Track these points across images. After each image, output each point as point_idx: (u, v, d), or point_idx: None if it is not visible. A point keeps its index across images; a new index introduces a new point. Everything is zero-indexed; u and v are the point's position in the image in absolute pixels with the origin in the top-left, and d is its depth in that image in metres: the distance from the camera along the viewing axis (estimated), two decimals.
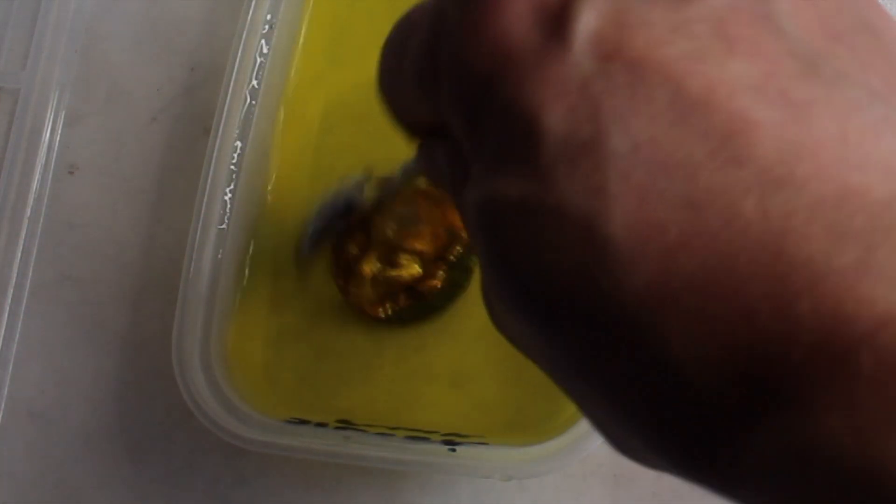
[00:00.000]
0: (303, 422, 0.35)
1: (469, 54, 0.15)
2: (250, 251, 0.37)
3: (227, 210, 0.36)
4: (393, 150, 0.39)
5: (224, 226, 0.36)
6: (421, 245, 0.34)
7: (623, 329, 0.13)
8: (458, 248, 0.35)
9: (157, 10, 0.42)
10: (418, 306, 0.35)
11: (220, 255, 0.35)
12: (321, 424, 0.34)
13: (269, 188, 0.38)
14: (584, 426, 0.32)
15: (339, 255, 0.36)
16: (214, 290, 0.35)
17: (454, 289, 0.35)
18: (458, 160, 0.18)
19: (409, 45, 0.18)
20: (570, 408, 0.35)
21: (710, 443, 0.13)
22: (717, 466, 0.13)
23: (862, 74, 0.14)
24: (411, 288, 0.35)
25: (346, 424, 0.35)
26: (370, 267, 0.35)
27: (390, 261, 0.35)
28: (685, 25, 0.14)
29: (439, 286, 0.35)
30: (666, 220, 0.13)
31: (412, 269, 0.35)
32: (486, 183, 0.15)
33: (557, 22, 0.14)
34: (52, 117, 0.41)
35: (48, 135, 0.40)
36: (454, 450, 0.33)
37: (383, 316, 0.35)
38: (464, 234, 0.35)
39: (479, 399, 0.36)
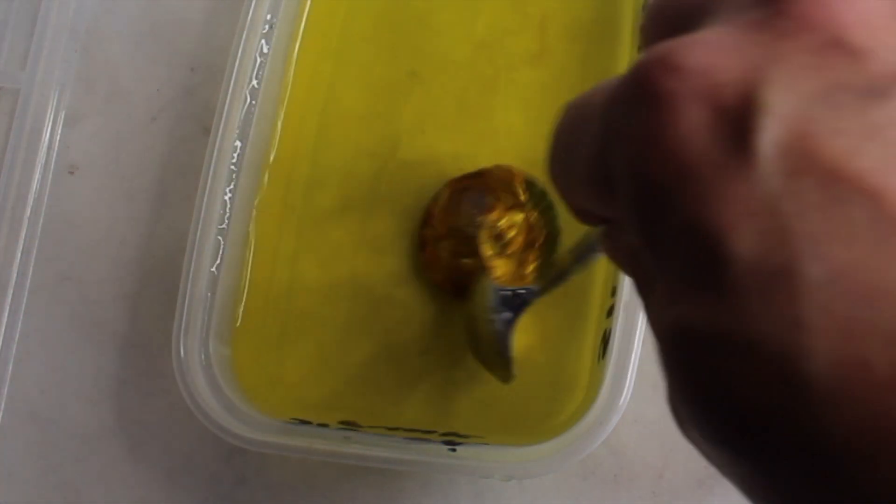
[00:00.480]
0: (304, 422, 0.35)
1: (643, 166, 0.14)
2: (251, 251, 0.37)
3: (227, 210, 0.36)
4: (392, 149, 0.39)
5: (224, 226, 0.36)
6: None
7: (824, 467, 0.12)
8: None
9: (157, 10, 0.42)
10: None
11: (220, 255, 0.35)
12: (322, 425, 0.34)
13: (269, 187, 0.38)
14: (584, 426, 0.32)
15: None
16: (214, 290, 0.35)
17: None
18: (639, 259, 0.17)
19: (580, 140, 0.16)
20: (570, 408, 0.35)
21: None
22: None
23: None
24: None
25: (347, 425, 0.35)
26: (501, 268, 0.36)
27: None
28: (878, 131, 0.12)
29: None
30: (874, 357, 0.12)
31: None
32: (672, 307, 0.14)
33: (740, 133, 0.13)
34: (52, 117, 0.41)
35: (48, 135, 0.40)
36: (454, 450, 0.33)
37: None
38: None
39: (478, 399, 0.36)
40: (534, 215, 0.36)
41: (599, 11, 0.39)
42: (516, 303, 0.33)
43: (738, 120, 0.13)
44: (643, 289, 0.17)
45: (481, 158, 0.38)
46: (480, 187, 0.36)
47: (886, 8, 0.14)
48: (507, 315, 0.33)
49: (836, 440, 0.12)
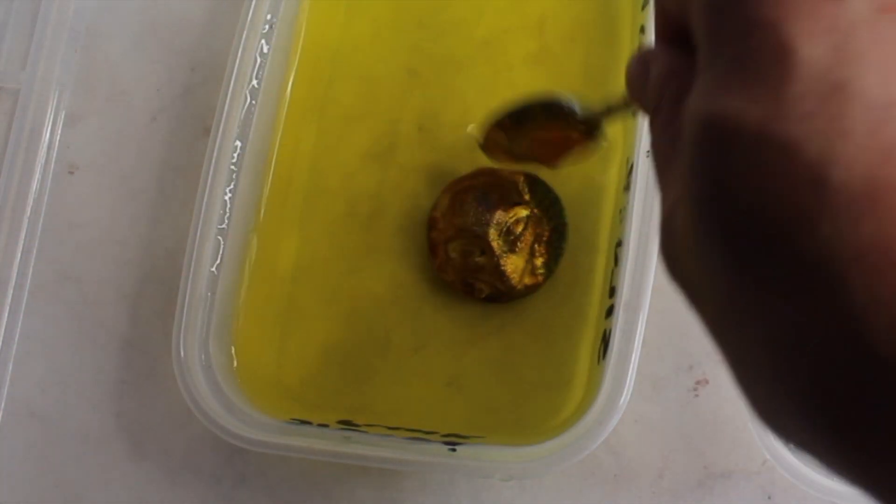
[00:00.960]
0: (304, 422, 0.35)
1: None
2: (251, 251, 0.37)
3: (227, 210, 0.36)
4: (392, 149, 0.39)
5: (224, 226, 0.36)
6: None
7: (827, 278, 0.13)
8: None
9: (157, 10, 0.42)
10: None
11: (220, 255, 0.35)
12: (322, 425, 0.34)
13: (269, 187, 0.38)
14: (583, 426, 0.32)
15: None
16: (215, 290, 0.35)
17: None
18: (678, 72, 0.17)
19: None
20: (570, 408, 0.35)
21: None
22: (869, 449, 0.13)
23: None
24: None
25: (346, 425, 0.35)
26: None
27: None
28: None
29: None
30: None
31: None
32: (719, 96, 0.14)
33: None
34: (52, 117, 0.41)
35: (48, 135, 0.40)
36: (454, 450, 0.33)
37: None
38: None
39: (478, 399, 0.36)
40: (538, 210, 0.36)
41: (599, 11, 0.39)
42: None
43: None
44: (664, 98, 0.17)
45: (481, 158, 0.38)
46: (483, 186, 0.36)
47: None
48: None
49: (849, 250, 0.12)
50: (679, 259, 0.16)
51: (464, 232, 0.36)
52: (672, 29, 0.18)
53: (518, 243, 0.36)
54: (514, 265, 0.36)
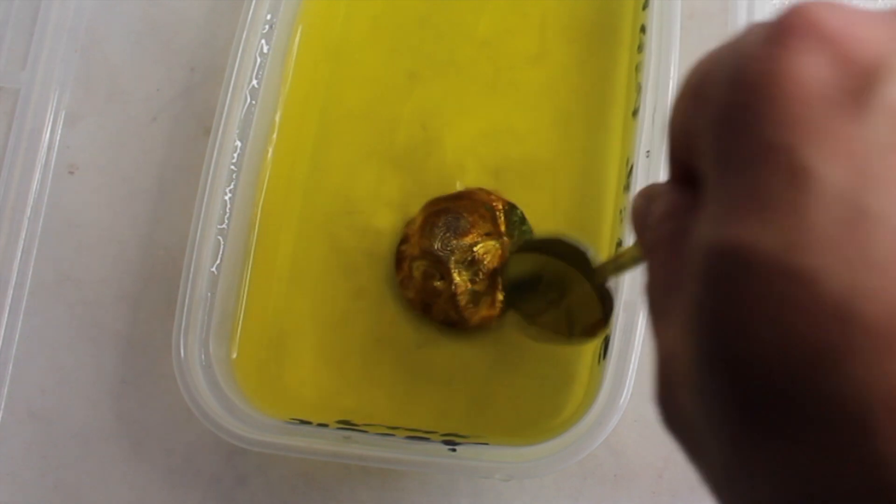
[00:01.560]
0: (304, 422, 0.35)
1: (752, 77, 0.14)
2: (251, 251, 0.37)
3: (227, 210, 0.36)
4: (392, 149, 0.39)
5: (224, 226, 0.36)
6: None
7: (853, 423, 0.12)
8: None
9: (157, 10, 0.42)
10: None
11: (220, 255, 0.35)
12: (322, 425, 0.34)
13: (269, 187, 0.38)
14: (583, 426, 0.32)
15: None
16: (215, 290, 0.35)
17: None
18: (682, 209, 0.16)
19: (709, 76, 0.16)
20: (570, 408, 0.35)
21: None
22: None
23: None
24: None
25: (346, 425, 0.35)
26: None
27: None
28: None
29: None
30: None
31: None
32: (731, 223, 0.13)
33: (861, 82, 0.13)
34: (52, 117, 0.41)
35: (48, 135, 0.40)
36: (454, 450, 0.33)
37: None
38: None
39: (478, 399, 0.36)
40: (509, 243, 0.36)
41: (599, 12, 0.39)
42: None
43: (863, 69, 0.13)
44: (665, 231, 0.17)
45: (481, 158, 0.38)
46: (458, 210, 0.36)
47: None
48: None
49: (878, 394, 0.11)
50: (679, 406, 0.15)
51: (427, 254, 0.36)
52: (679, 167, 0.17)
53: (480, 274, 0.35)
54: (471, 296, 0.35)
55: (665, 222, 0.17)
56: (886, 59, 0.13)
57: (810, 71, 0.13)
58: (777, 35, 0.14)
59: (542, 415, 0.35)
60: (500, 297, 0.35)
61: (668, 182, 0.18)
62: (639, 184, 0.34)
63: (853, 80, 0.13)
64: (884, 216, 0.12)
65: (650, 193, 0.19)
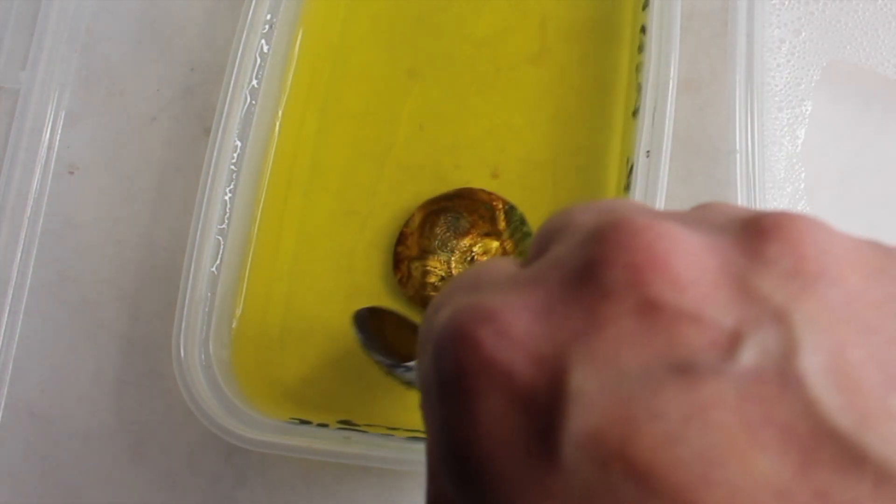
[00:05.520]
0: (304, 422, 0.35)
1: (454, 451, 0.13)
2: (251, 251, 0.37)
3: (227, 210, 0.36)
4: (392, 149, 0.39)
5: (224, 226, 0.36)
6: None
7: None
8: None
9: (157, 10, 0.42)
10: None
11: (220, 255, 0.35)
12: (322, 425, 0.34)
13: (269, 187, 0.38)
14: None
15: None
16: (214, 290, 0.35)
17: None
18: None
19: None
20: None
21: None
22: None
23: None
24: None
25: (346, 425, 0.35)
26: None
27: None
28: (701, 413, 0.11)
29: None
30: None
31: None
32: None
33: (546, 421, 0.12)
34: (52, 117, 0.41)
35: (48, 135, 0.40)
36: None
37: None
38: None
39: None
40: (510, 243, 0.36)
41: (599, 11, 0.39)
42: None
43: (543, 407, 0.12)
44: None
45: (481, 157, 0.38)
46: (458, 210, 0.36)
47: (712, 258, 0.13)
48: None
49: None
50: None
51: (427, 254, 0.36)
52: None
53: None
54: None
55: None
56: (560, 379, 0.12)
57: (492, 422, 0.13)
58: (452, 383, 0.13)
59: None
60: None
61: None
62: (639, 184, 0.34)
63: (536, 417, 0.12)
64: None
65: None
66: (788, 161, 0.38)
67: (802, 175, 0.38)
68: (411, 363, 0.31)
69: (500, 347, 0.13)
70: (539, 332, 0.13)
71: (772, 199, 0.37)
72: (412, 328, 0.34)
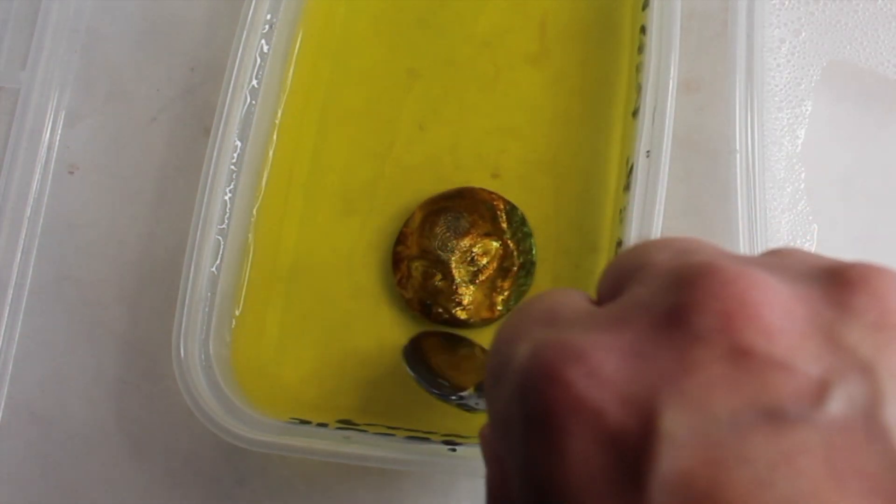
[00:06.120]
0: (304, 422, 0.35)
1: (540, 484, 0.13)
2: (251, 251, 0.37)
3: (227, 210, 0.36)
4: (392, 149, 0.39)
5: (224, 226, 0.36)
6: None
7: None
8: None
9: (157, 10, 0.42)
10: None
11: (220, 255, 0.35)
12: (322, 425, 0.34)
13: (269, 187, 0.38)
14: None
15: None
16: (215, 290, 0.35)
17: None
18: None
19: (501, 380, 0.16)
20: None
21: None
22: None
23: None
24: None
25: (346, 425, 0.35)
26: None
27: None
28: (788, 459, 0.12)
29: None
30: None
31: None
32: None
33: (636, 460, 0.12)
34: (52, 117, 0.41)
35: (48, 135, 0.40)
36: (454, 450, 0.33)
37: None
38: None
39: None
40: (511, 243, 0.36)
41: (599, 11, 0.39)
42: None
43: (633, 448, 0.12)
44: None
45: (481, 157, 0.38)
46: (459, 209, 0.36)
47: (801, 308, 0.13)
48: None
49: None
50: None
51: (427, 254, 0.36)
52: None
53: (480, 275, 0.36)
54: (472, 296, 0.35)
55: None
56: (651, 420, 0.12)
57: (581, 460, 0.13)
58: (541, 421, 0.13)
59: None
60: (499, 298, 0.35)
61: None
62: (639, 184, 0.34)
63: (625, 457, 0.12)
64: None
65: None
66: (788, 161, 0.38)
67: (802, 175, 0.38)
68: (464, 393, 0.31)
69: (591, 387, 0.13)
70: (629, 374, 0.13)
71: (772, 198, 0.37)
72: (452, 346, 0.35)
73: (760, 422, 0.12)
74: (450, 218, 0.36)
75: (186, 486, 0.37)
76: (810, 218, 0.37)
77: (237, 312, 0.37)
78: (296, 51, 0.40)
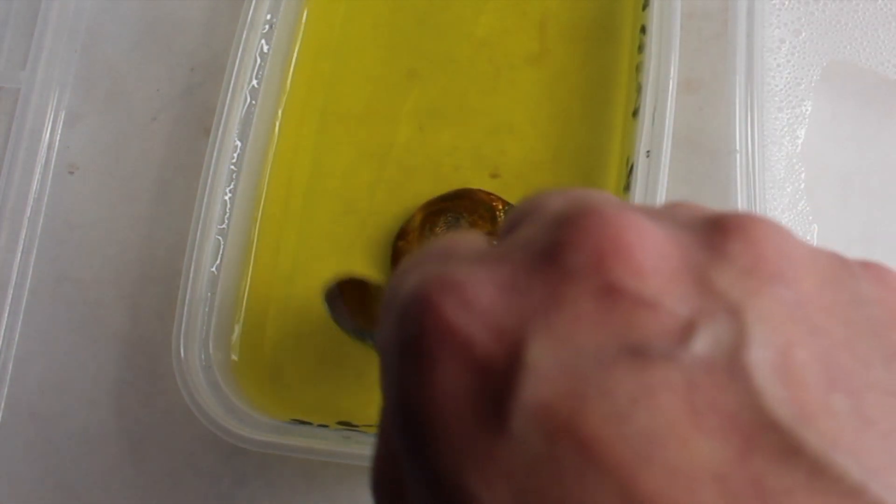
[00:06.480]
0: (304, 422, 0.35)
1: (404, 412, 0.14)
2: (251, 251, 0.37)
3: (227, 210, 0.36)
4: (392, 149, 0.39)
5: (224, 226, 0.36)
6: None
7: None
8: None
9: (157, 10, 0.42)
10: None
11: (220, 255, 0.35)
12: (322, 425, 0.34)
13: (269, 187, 0.38)
14: None
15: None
16: (215, 290, 0.35)
17: None
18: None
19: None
20: None
21: None
22: None
23: (856, 442, 0.12)
24: None
25: (346, 425, 0.35)
26: None
27: None
28: (649, 395, 0.12)
29: None
30: None
31: None
32: None
33: (500, 390, 0.13)
34: (52, 117, 0.41)
35: (48, 135, 0.40)
36: None
37: None
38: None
39: None
40: None
41: (599, 11, 0.39)
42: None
43: (498, 376, 0.13)
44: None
45: (481, 157, 0.38)
46: (458, 210, 0.36)
47: (674, 251, 0.13)
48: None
49: None
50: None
51: None
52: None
53: None
54: None
55: None
56: (517, 351, 0.13)
57: (447, 386, 0.13)
58: (412, 345, 0.14)
59: None
60: None
61: None
62: (639, 184, 0.34)
63: (490, 385, 0.13)
64: None
65: None
66: (788, 161, 0.38)
67: (802, 175, 0.38)
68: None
69: (462, 316, 0.13)
70: (501, 306, 0.13)
71: (772, 198, 0.37)
72: (372, 290, 0.35)
73: (624, 358, 0.12)
74: (449, 219, 0.36)
75: (186, 486, 0.37)
76: (810, 218, 0.37)
77: (237, 312, 0.37)
78: (296, 51, 0.40)
